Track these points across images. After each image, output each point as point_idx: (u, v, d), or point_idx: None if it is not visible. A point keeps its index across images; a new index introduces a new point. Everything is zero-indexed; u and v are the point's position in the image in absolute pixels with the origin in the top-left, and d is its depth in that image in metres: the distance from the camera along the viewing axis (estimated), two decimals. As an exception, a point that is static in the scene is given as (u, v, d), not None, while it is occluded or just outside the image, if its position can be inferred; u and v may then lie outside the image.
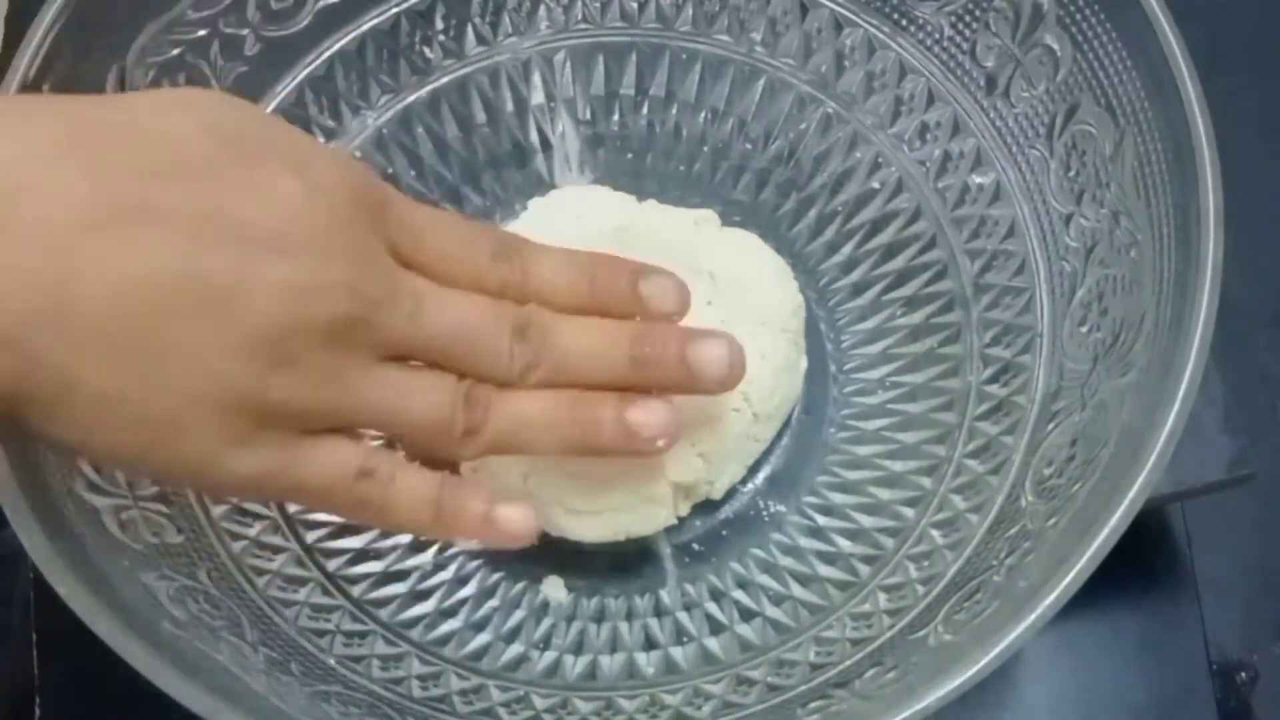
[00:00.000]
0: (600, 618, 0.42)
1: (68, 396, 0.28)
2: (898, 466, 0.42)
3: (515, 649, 0.40)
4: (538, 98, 0.48)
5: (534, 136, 0.48)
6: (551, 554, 0.42)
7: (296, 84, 0.44)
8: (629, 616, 0.42)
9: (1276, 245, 0.51)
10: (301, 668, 0.36)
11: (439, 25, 0.46)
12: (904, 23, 0.44)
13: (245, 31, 0.43)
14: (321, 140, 0.45)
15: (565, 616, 0.42)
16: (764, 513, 0.43)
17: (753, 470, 0.43)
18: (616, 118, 0.48)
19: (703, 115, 0.48)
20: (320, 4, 0.44)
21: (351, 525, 0.42)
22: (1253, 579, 0.48)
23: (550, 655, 0.40)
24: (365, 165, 0.41)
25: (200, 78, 0.42)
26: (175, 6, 0.41)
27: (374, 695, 0.37)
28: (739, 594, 0.41)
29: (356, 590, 0.41)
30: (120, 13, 0.39)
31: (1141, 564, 0.44)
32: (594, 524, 0.41)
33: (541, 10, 0.47)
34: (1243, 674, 0.46)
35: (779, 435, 0.44)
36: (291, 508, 0.41)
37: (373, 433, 0.34)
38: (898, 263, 0.45)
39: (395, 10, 0.45)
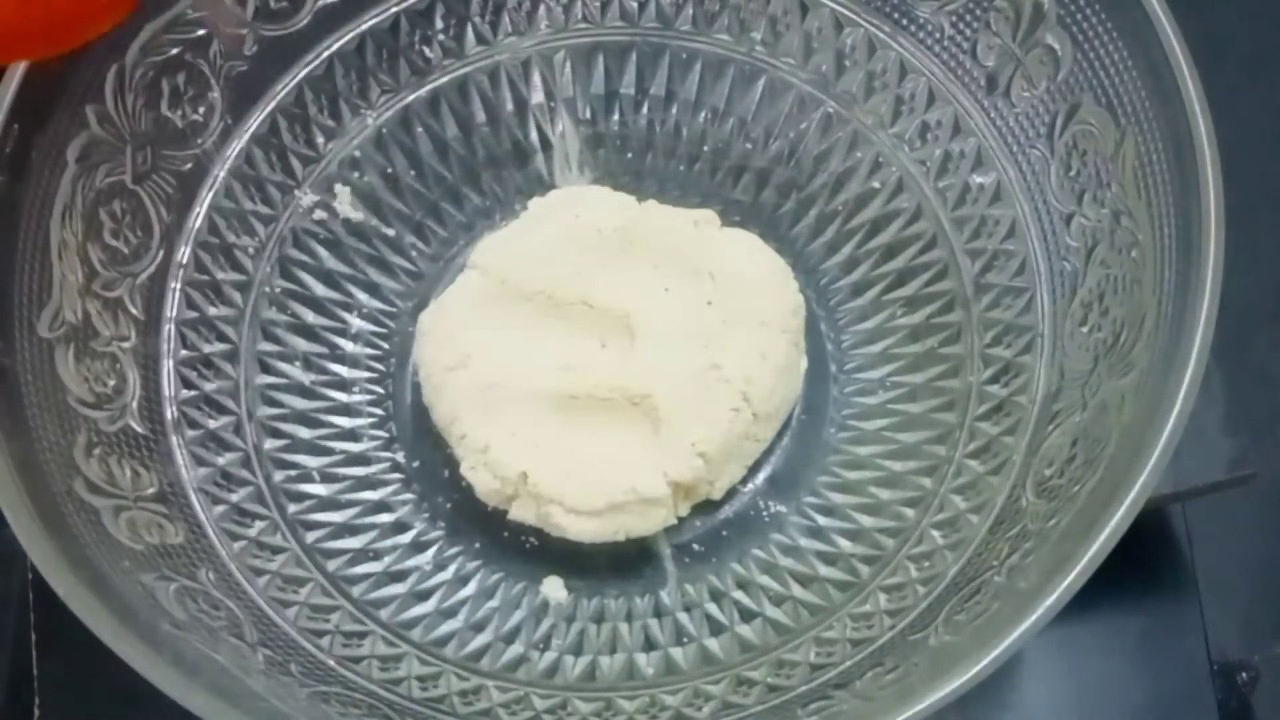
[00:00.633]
0: (600, 618, 0.42)
1: None
2: (898, 467, 0.42)
3: (515, 649, 0.40)
4: (538, 97, 0.48)
5: (534, 136, 0.48)
6: (551, 554, 0.43)
7: (296, 83, 0.44)
8: (629, 617, 0.42)
9: (1277, 245, 0.51)
10: (301, 668, 0.36)
11: (439, 25, 0.46)
12: (904, 22, 0.44)
13: (244, 31, 0.43)
14: (321, 140, 0.45)
15: (565, 617, 0.42)
16: (764, 513, 0.43)
17: (753, 470, 0.44)
18: (616, 117, 0.48)
19: (703, 115, 0.48)
20: (319, 3, 0.44)
21: (351, 526, 0.42)
22: (1254, 579, 0.48)
23: (550, 656, 0.40)
24: None
25: (199, 77, 0.42)
26: (174, 5, 0.41)
27: (373, 696, 0.37)
28: (739, 594, 0.41)
29: (356, 591, 0.41)
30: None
31: (1142, 564, 0.44)
32: (594, 524, 0.41)
33: (541, 10, 0.47)
34: (1244, 674, 0.46)
35: (779, 435, 0.44)
36: (291, 508, 0.41)
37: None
38: (898, 263, 0.45)
39: (395, 9, 0.45)
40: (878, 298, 0.45)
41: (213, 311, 0.43)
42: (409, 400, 0.45)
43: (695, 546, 0.43)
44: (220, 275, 0.43)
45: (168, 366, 0.41)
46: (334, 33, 0.45)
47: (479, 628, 0.41)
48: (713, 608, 0.41)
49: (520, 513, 0.42)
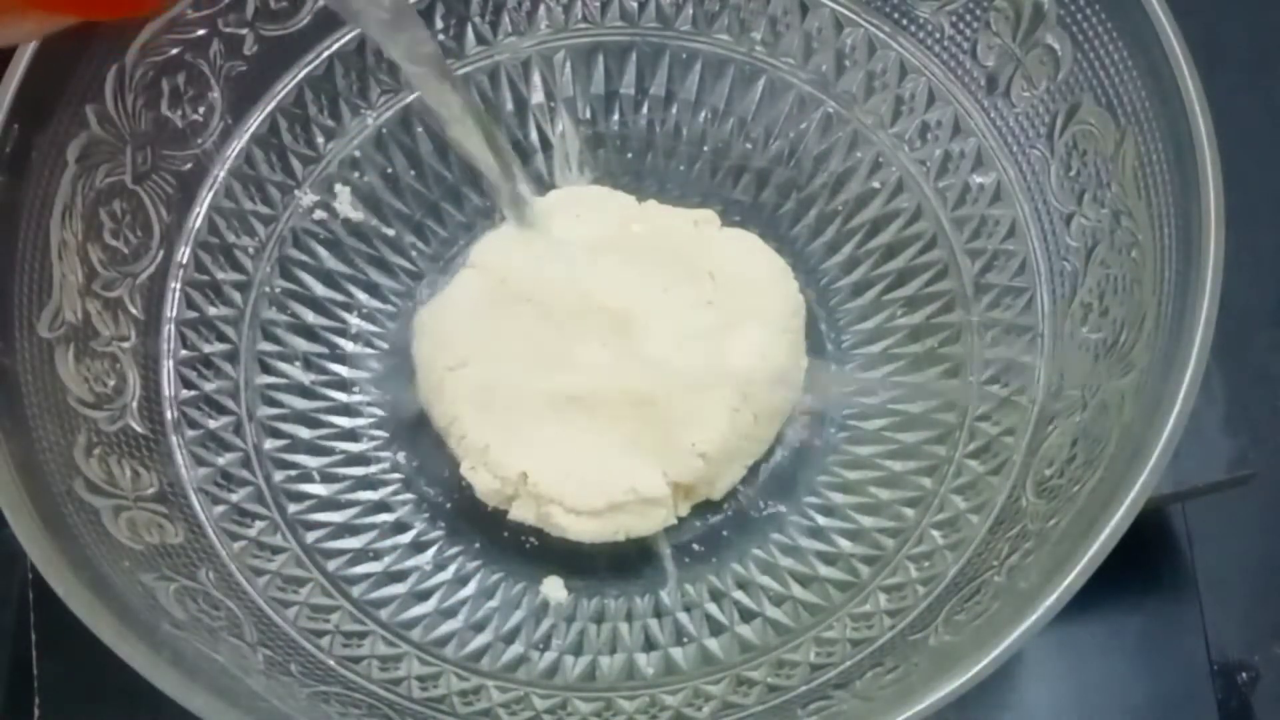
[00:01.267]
0: (600, 618, 0.42)
1: None
2: (898, 466, 0.42)
3: (515, 649, 0.40)
4: (537, 97, 0.48)
5: (534, 136, 0.48)
6: (551, 554, 0.42)
7: (296, 83, 0.44)
8: (629, 617, 0.42)
9: (1277, 245, 0.51)
10: (301, 668, 0.36)
11: (439, 25, 0.46)
12: (904, 22, 0.44)
13: (244, 31, 0.43)
14: (321, 140, 0.45)
15: (565, 617, 0.42)
16: (764, 513, 0.43)
17: (753, 470, 0.43)
18: (616, 117, 0.48)
19: (703, 115, 0.48)
20: (320, 3, 0.44)
21: (351, 526, 0.42)
22: (1254, 579, 0.48)
23: (550, 656, 0.40)
24: None
25: (199, 77, 0.42)
26: (174, 5, 0.41)
27: (373, 696, 0.37)
28: (739, 594, 0.41)
29: (356, 591, 0.41)
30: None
31: (1142, 564, 0.44)
32: (593, 524, 0.41)
33: (541, 9, 0.47)
34: (1244, 674, 0.46)
35: (779, 435, 0.44)
36: (291, 508, 0.41)
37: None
38: (898, 263, 0.45)
39: (395, 10, 0.45)
40: (878, 298, 0.45)
41: (213, 311, 0.43)
42: (409, 400, 0.45)
43: (695, 546, 0.43)
44: (220, 275, 0.43)
45: (168, 366, 0.41)
46: (334, 33, 0.45)
47: (479, 628, 0.41)
48: (713, 608, 0.41)
49: (520, 513, 0.42)
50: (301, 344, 0.45)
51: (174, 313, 0.42)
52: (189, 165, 0.43)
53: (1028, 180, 0.42)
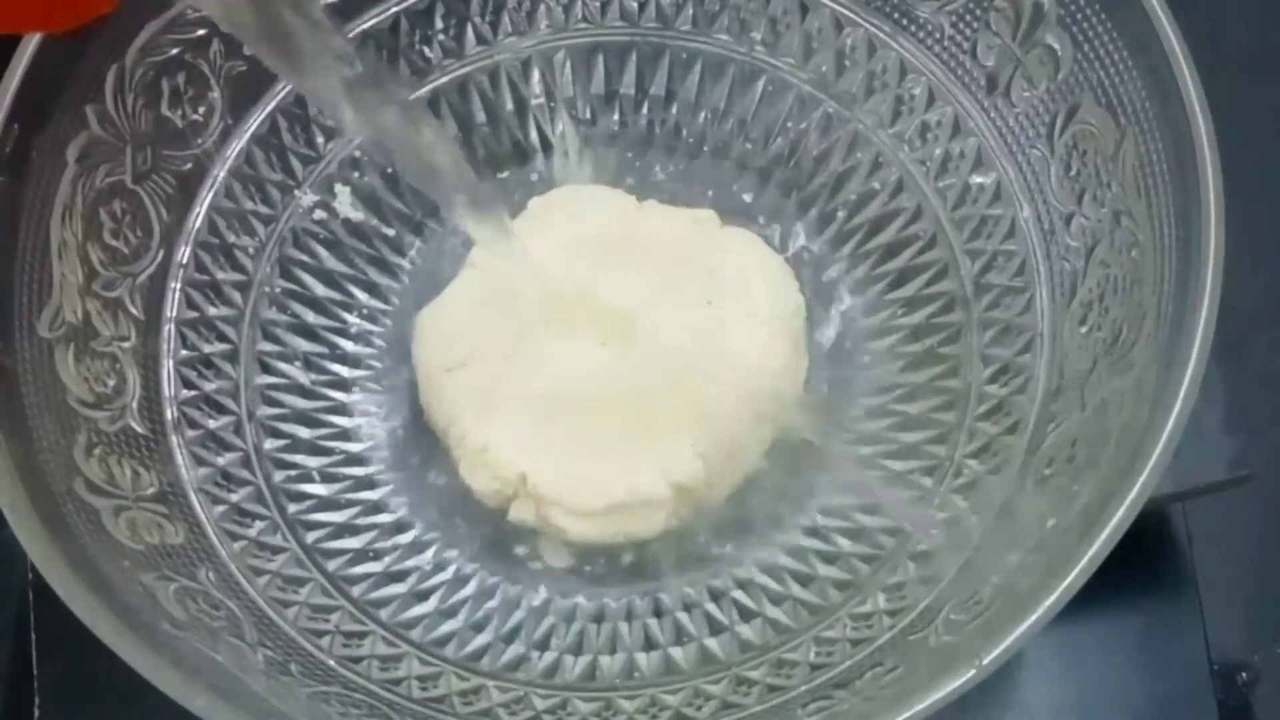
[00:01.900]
0: (600, 618, 0.42)
1: None
2: (898, 466, 0.42)
3: (515, 649, 0.40)
4: (538, 97, 0.48)
5: (534, 136, 0.48)
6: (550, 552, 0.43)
7: (296, 83, 0.44)
8: (629, 617, 0.42)
9: (1277, 245, 0.51)
10: (301, 668, 0.36)
11: (438, 25, 0.46)
12: (904, 22, 0.44)
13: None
14: (321, 140, 0.45)
15: (565, 617, 0.42)
16: (764, 512, 0.43)
17: (752, 470, 0.43)
18: (616, 117, 0.48)
19: (703, 115, 0.48)
20: (321, 3, 0.44)
21: (351, 526, 0.42)
22: (1254, 579, 0.48)
23: (550, 656, 0.40)
24: None
25: (199, 77, 0.42)
26: (175, 5, 0.41)
27: (373, 696, 0.37)
28: (739, 594, 0.41)
29: (356, 591, 0.41)
30: (119, 12, 0.39)
31: (1142, 564, 0.44)
32: (593, 524, 0.41)
33: (541, 9, 0.47)
34: (1243, 674, 0.46)
35: (779, 435, 0.44)
36: (291, 508, 0.41)
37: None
38: (898, 263, 0.45)
39: (395, 9, 0.45)
40: (878, 298, 0.45)
41: (213, 311, 0.43)
42: (409, 400, 0.45)
43: (695, 546, 0.43)
44: (220, 275, 0.43)
45: (168, 366, 0.41)
46: (334, 33, 0.45)
47: (479, 628, 0.41)
48: (713, 608, 0.41)
49: (520, 513, 0.42)
50: (301, 344, 0.45)
51: (174, 313, 0.42)
52: (189, 165, 0.43)
53: (1028, 180, 0.42)
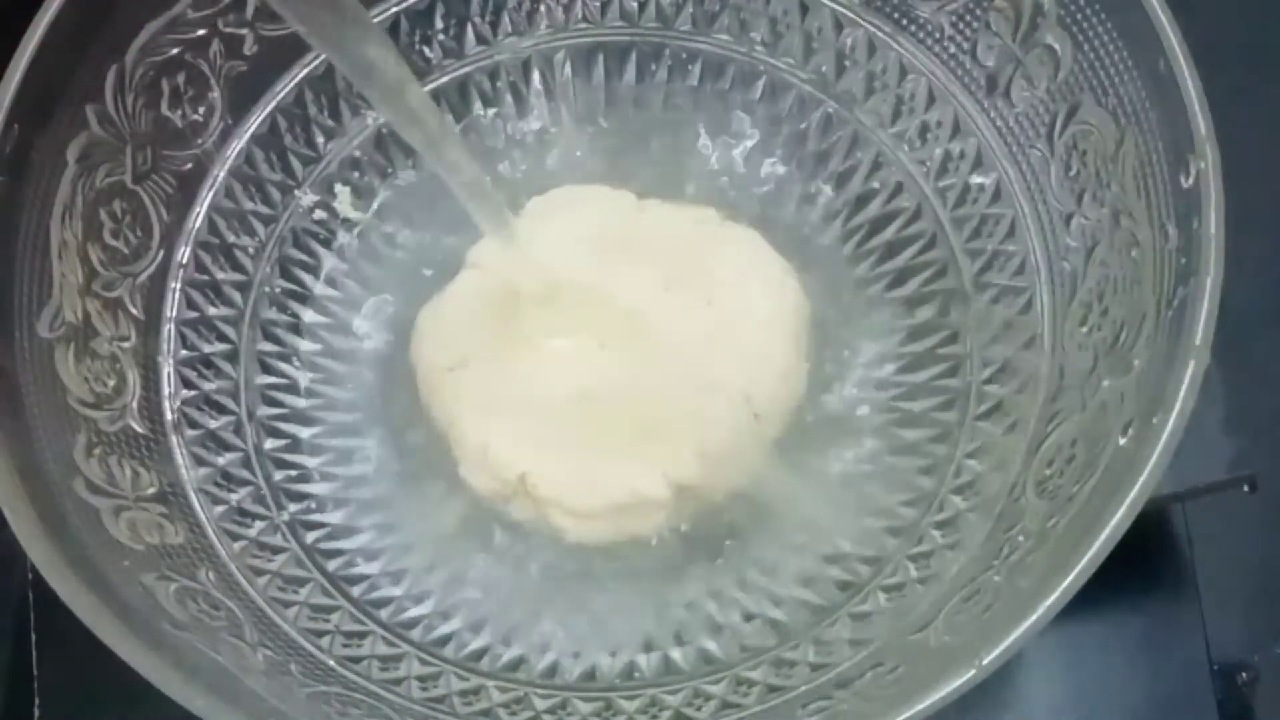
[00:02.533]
0: (599, 619, 0.42)
1: None
2: (898, 464, 0.42)
3: (514, 650, 0.40)
4: (538, 97, 0.48)
5: (534, 137, 0.48)
6: (551, 553, 0.43)
7: (296, 83, 0.44)
8: (628, 617, 0.42)
9: (1277, 245, 0.51)
10: (301, 668, 0.36)
11: (439, 24, 0.46)
12: (904, 22, 0.44)
13: (244, 31, 0.43)
14: (321, 140, 0.46)
15: (564, 618, 0.42)
16: (764, 512, 0.43)
17: (753, 470, 0.43)
18: (616, 117, 0.48)
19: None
20: (320, 4, 0.44)
21: (351, 526, 0.42)
22: (1254, 579, 0.48)
23: (549, 656, 0.40)
24: None
25: (199, 77, 0.42)
26: (175, 6, 0.41)
27: (374, 696, 0.37)
28: (739, 594, 0.41)
29: (356, 591, 0.41)
30: (119, 12, 0.39)
31: (1142, 564, 0.44)
32: (593, 525, 0.41)
33: (541, 9, 0.47)
34: (1244, 674, 0.46)
35: (779, 435, 0.44)
36: (292, 507, 0.41)
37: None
38: (898, 262, 0.45)
39: (395, 9, 0.45)
40: (878, 297, 0.45)
41: (213, 311, 0.43)
42: (409, 400, 0.45)
43: (695, 546, 0.43)
44: (220, 275, 0.43)
45: (168, 366, 0.41)
46: (334, 33, 0.45)
47: (478, 628, 0.41)
48: (713, 607, 0.41)
49: (519, 513, 0.42)
50: (302, 344, 0.45)
51: (174, 313, 0.42)
52: (189, 165, 0.43)
53: (1027, 180, 0.42)
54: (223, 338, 0.43)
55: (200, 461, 0.40)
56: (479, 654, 0.40)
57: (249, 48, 0.43)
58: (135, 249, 0.41)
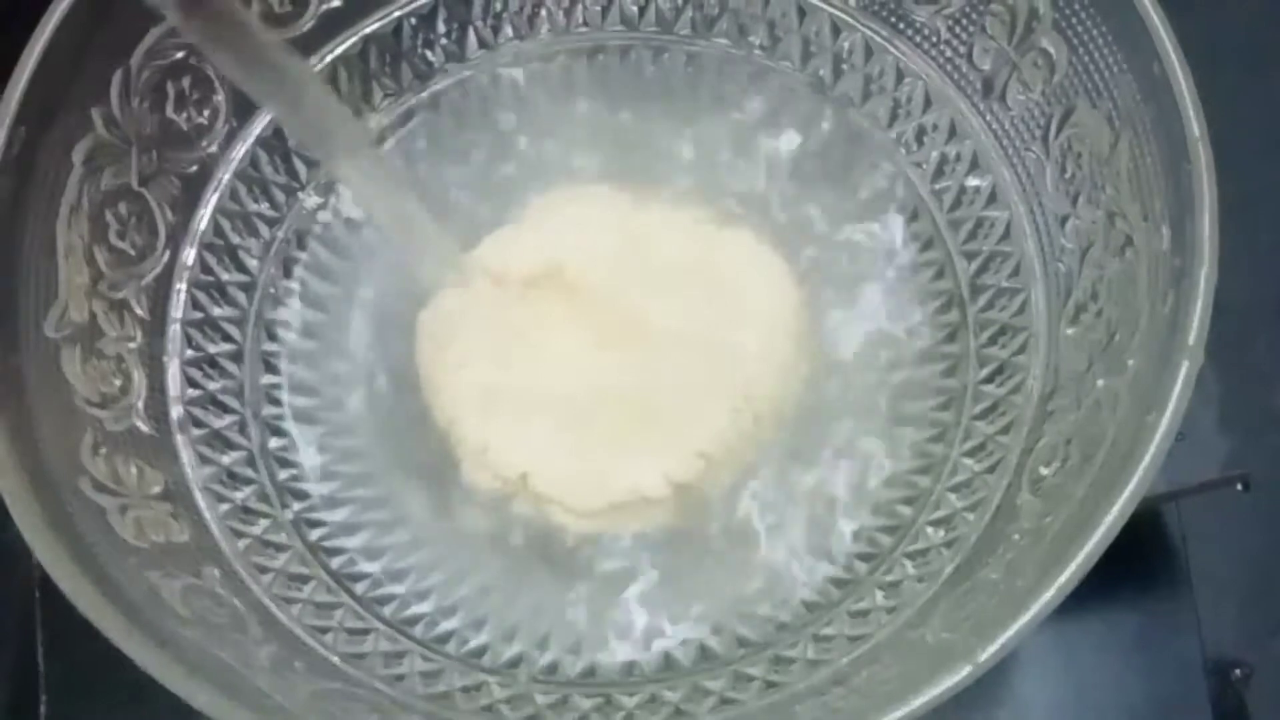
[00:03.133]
0: (599, 617, 0.42)
1: None
2: (895, 464, 0.42)
3: (515, 647, 0.41)
4: (538, 99, 0.48)
5: (534, 136, 0.48)
6: (551, 552, 0.43)
7: (299, 87, 0.45)
8: (628, 615, 0.42)
9: (1271, 245, 0.51)
10: (305, 665, 0.37)
11: (440, 29, 0.47)
12: (901, 26, 0.44)
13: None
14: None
15: (564, 616, 0.42)
16: (763, 511, 0.43)
17: (753, 469, 0.44)
18: (617, 118, 0.49)
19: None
20: (323, 7, 0.44)
21: (353, 524, 0.43)
22: (1248, 577, 0.48)
23: (549, 655, 0.41)
24: None
25: (204, 80, 0.42)
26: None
27: (377, 692, 0.37)
28: (738, 592, 0.41)
29: (359, 588, 0.41)
30: (125, 15, 0.40)
31: (1137, 562, 0.45)
32: (594, 524, 0.41)
33: (542, 14, 0.47)
34: (1238, 671, 0.46)
35: (778, 435, 0.44)
36: (296, 505, 0.42)
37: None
38: (896, 263, 0.45)
39: (397, 14, 0.46)
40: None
41: (217, 312, 0.43)
42: (411, 400, 0.45)
43: (695, 545, 0.43)
44: (225, 276, 0.44)
45: (173, 367, 0.41)
46: (337, 37, 0.45)
47: (479, 625, 0.41)
48: (712, 604, 0.41)
49: (520, 512, 0.42)
50: (305, 343, 0.45)
51: (179, 313, 0.42)
52: (194, 167, 0.43)
53: (1023, 182, 0.42)
54: (227, 338, 0.43)
55: (205, 460, 0.41)
56: (480, 650, 0.40)
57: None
58: (141, 250, 0.41)
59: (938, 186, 0.44)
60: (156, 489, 0.38)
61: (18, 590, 0.45)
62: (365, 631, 0.40)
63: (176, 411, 0.41)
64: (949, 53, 0.43)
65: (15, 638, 0.46)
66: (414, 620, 0.41)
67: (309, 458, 0.43)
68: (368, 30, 0.45)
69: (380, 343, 0.46)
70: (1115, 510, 0.31)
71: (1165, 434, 0.32)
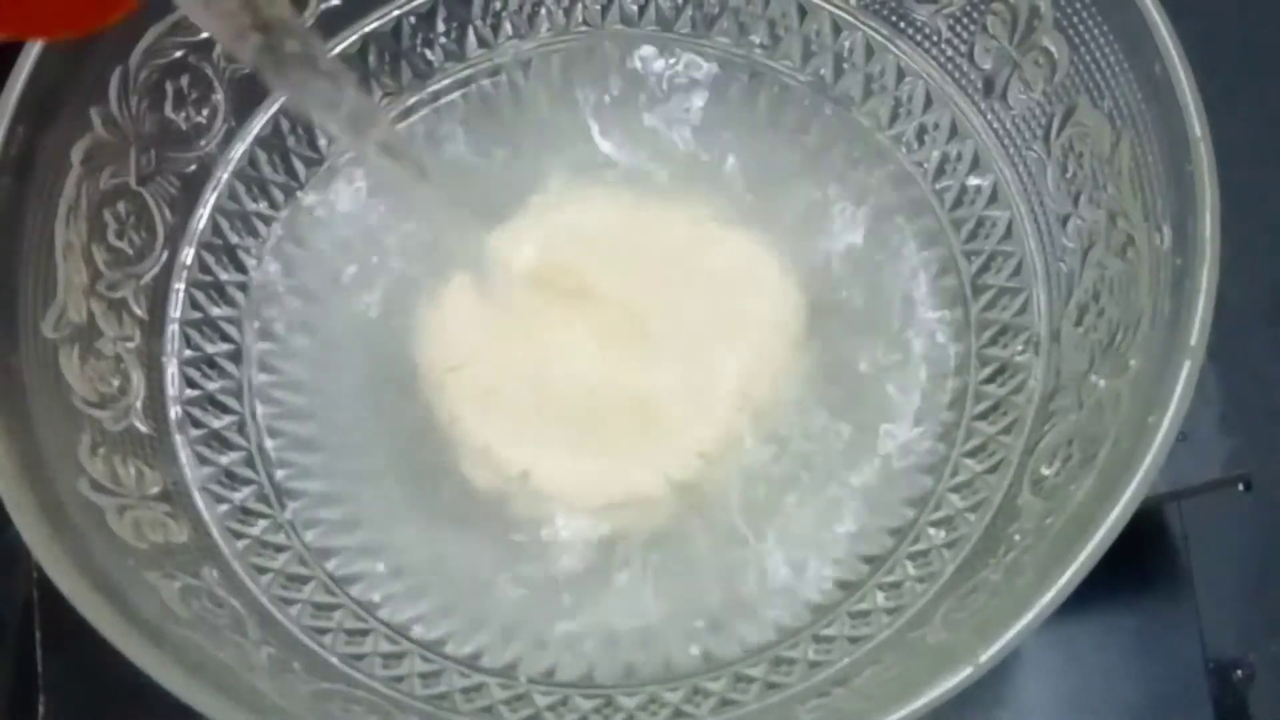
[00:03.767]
0: (599, 615, 0.42)
1: None
2: (896, 464, 0.42)
3: (515, 648, 0.41)
4: (538, 99, 0.48)
5: (534, 137, 0.48)
6: (550, 551, 0.43)
7: (298, 86, 0.45)
8: (628, 615, 0.42)
9: (1272, 246, 0.51)
10: (304, 666, 0.37)
11: (440, 28, 0.47)
12: (902, 25, 0.44)
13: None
14: (323, 142, 0.46)
15: (564, 615, 0.42)
16: (763, 510, 0.43)
17: (752, 469, 0.44)
18: (616, 118, 0.49)
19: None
20: (323, 6, 0.44)
21: (352, 523, 0.42)
22: (1249, 577, 0.48)
23: (550, 653, 0.40)
24: None
25: (203, 79, 0.42)
26: (178, 9, 0.41)
27: (376, 693, 0.37)
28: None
29: (357, 589, 0.41)
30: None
31: (1138, 563, 0.45)
32: (593, 523, 0.41)
33: (542, 13, 0.47)
34: (1239, 672, 0.46)
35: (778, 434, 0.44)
36: (294, 505, 0.42)
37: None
38: (896, 263, 0.45)
39: (397, 13, 0.46)
40: (876, 298, 0.45)
41: (216, 312, 0.43)
42: (410, 399, 0.45)
43: (695, 544, 0.43)
44: (223, 276, 0.44)
45: (171, 367, 0.41)
46: (336, 36, 0.45)
47: (478, 625, 0.41)
48: (712, 604, 0.41)
49: (520, 511, 0.42)
50: (304, 343, 0.45)
51: (178, 313, 0.42)
52: (192, 167, 0.43)
53: (1024, 182, 0.42)
54: (226, 338, 0.43)
55: (204, 460, 0.41)
56: (480, 651, 0.40)
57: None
58: (139, 250, 0.41)
59: (939, 186, 0.44)
60: (155, 489, 0.38)
61: (16, 591, 0.45)
62: (364, 632, 0.39)
63: (175, 411, 0.41)
64: (950, 52, 0.43)
65: (14, 638, 0.46)
66: (413, 621, 0.41)
67: (308, 458, 0.43)
68: (367, 29, 0.45)
69: (380, 342, 0.46)
70: (1116, 510, 0.31)
71: (1167, 434, 0.32)
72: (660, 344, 0.43)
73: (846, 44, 0.45)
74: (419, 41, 0.46)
